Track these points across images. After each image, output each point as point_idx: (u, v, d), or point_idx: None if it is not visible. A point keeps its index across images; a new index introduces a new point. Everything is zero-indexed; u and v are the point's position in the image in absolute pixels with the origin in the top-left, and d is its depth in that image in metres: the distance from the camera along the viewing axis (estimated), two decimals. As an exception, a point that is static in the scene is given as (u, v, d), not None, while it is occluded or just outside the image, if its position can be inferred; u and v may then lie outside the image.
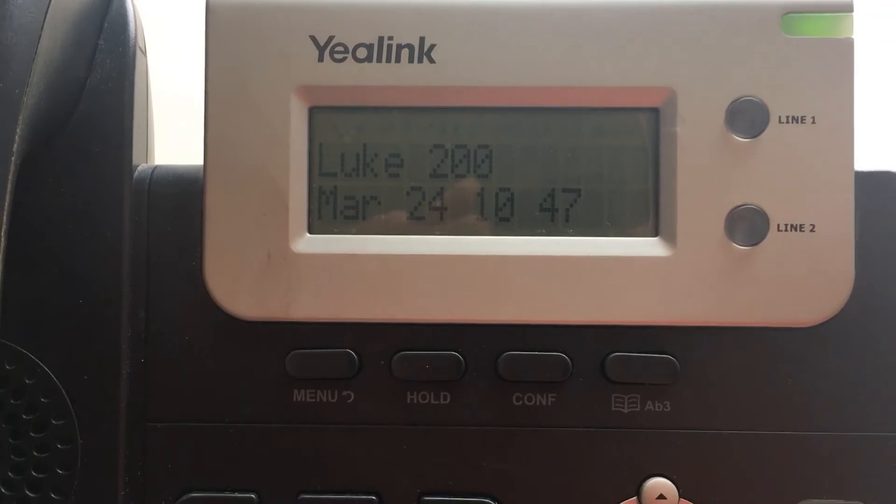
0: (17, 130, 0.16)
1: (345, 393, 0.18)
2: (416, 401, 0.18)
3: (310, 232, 0.18)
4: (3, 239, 0.16)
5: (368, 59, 0.18)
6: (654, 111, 0.18)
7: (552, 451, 0.18)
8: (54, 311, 0.18)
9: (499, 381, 0.18)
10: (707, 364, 0.18)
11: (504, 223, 0.18)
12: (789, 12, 0.18)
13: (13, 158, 0.16)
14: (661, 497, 0.18)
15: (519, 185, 0.18)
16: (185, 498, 0.18)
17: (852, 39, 0.17)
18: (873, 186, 0.18)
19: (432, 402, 0.18)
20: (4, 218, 0.16)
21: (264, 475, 0.18)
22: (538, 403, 0.18)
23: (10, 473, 0.18)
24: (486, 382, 0.18)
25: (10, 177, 0.16)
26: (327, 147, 0.18)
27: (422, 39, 0.18)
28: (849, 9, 0.17)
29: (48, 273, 0.18)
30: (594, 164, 0.18)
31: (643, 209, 0.18)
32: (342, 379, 0.18)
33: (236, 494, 0.18)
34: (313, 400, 0.18)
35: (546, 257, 0.18)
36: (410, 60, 0.18)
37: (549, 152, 0.18)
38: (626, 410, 0.18)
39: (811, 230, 0.17)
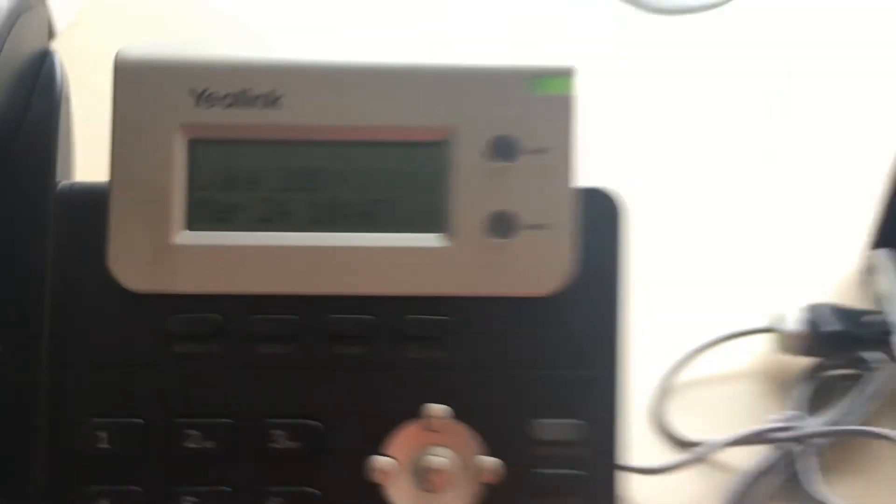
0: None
1: (213, 346, 0.25)
2: (265, 351, 0.25)
3: (189, 230, 0.25)
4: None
5: (233, 104, 0.25)
6: (439, 143, 0.25)
7: (363, 387, 0.25)
8: None
9: (325, 336, 0.25)
10: (474, 322, 0.25)
11: (329, 223, 0.25)
12: (530, 77, 0.25)
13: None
14: (438, 418, 0.25)
15: (341, 196, 0.25)
16: (90, 423, 0.24)
17: (572, 95, 0.25)
18: (589, 198, 0.25)
19: (278, 352, 0.25)
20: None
21: (149, 406, 0.25)
22: (354, 352, 0.25)
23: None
24: (316, 337, 0.25)
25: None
26: (202, 169, 0.25)
27: (272, 90, 0.25)
28: (568, 74, 0.25)
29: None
30: (396, 182, 0.25)
31: (430, 213, 0.25)
32: (210, 335, 0.25)
33: (129, 420, 0.24)
34: (189, 351, 0.25)
35: (357, 248, 0.25)
36: (264, 106, 0.25)
37: (363, 173, 0.25)
38: (415, 356, 0.25)
39: (547, 228, 0.25)
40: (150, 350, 0.25)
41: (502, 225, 0.25)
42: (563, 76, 0.25)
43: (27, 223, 0.25)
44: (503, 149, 0.25)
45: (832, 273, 0.40)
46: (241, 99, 0.25)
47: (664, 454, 0.33)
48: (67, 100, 0.27)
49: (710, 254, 0.41)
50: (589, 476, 0.25)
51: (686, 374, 0.36)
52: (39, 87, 0.26)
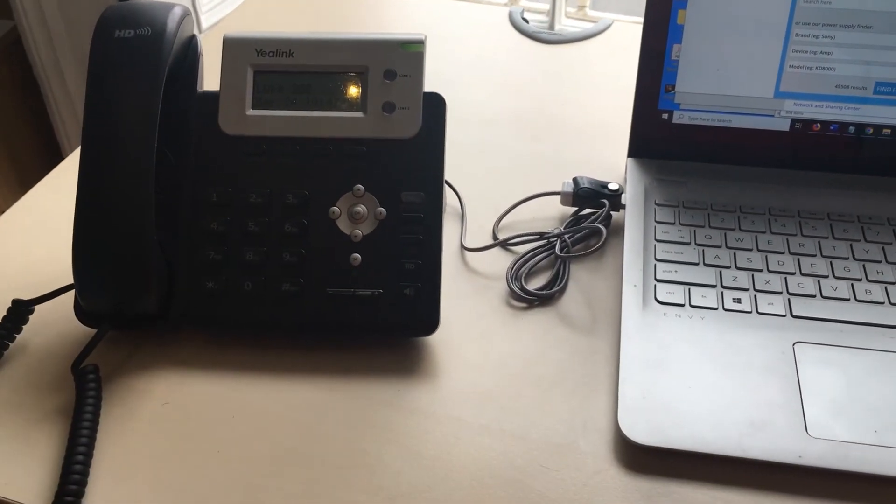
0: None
1: (261, 157, 0.57)
2: (282, 161, 0.56)
3: (252, 109, 0.57)
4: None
5: (273, 55, 0.57)
6: (362, 72, 0.57)
7: (329, 175, 0.56)
8: None
9: (313, 153, 0.56)
10: (378, 149, 0.56)
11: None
12: (403, 42, 0.56)
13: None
14: (359, 190, 0.55)
15: (319, 93, 0.57)
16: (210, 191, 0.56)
17: (423, 52, 0.56)
18: (428, 96, 0.57)
19: (289, 160, 0.56)
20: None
21: (234, 187, 0.56)
22: (322, 162, 0.56)
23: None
24: (308, 154, 0.56)
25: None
26: (258, 83, 0.57)
27: (289, 49, 0.57)
28: (422, 41, 0.56)
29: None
30: (343, 90, 0.57)
31: (358, 103, 0.57)
32: (260, 153, 0.57)
33: (225, 189, 0.56)
34: (252, 161, 0.57)
35: (327, 116, 0.57)
36: (286, 56, 0.57)
37: (327, 86, 0.57)
38: (351, 164, 0.56)
39: (410, 109, 0.56)
40: (233, 158, 0.56)
41: (389, 107, 0.56)
42: (418, 42, 0.57)
43: (187, 107, 0.57)
44: (390, 74, 0.56)
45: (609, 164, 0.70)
46: (275, 53, 0.57)
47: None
48: (201, 56, 0.59)
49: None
50: (425, 218, 0.55)
51: (513, 213, 0.66)
52: (191, 50, 0.59)
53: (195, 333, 0.56)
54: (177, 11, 0.57)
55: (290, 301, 0.55)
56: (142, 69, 0.54)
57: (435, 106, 0.57)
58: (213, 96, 0.57)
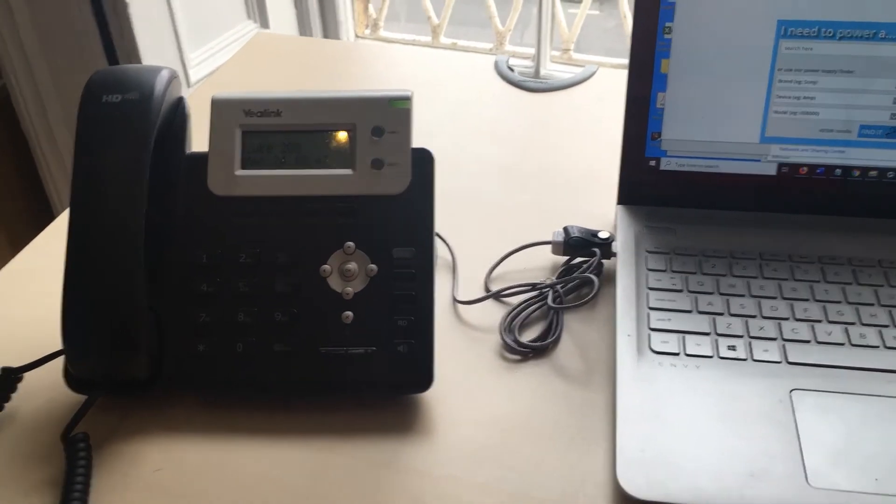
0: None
1: (252, 218, 0.56)
2: (273, 221, 0.56)
3: (242, 168, 0.57)
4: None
5: (261, 115, 0.57)
6: (350, 129, 0.57)
7: (318, 234, 0.56)
8: None
9: (302, 212, 0.56)
10: (367, 206, 0.56)
11: (294, 166, 0.57)
12: (391, 99, 0.57)
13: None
14: (350, 247, 0.55)
15: (306, 152, 0.57)
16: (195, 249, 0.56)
17: (409, 108, 0.57)
18: (417, 151, 0.57)
19: (280, 220, 0.56)
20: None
21: (215, 246, 0.56)
22: (314, 220, 0.56)
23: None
24: (298, 213, 0.56)
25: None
26: (247, 143, 0.57)
27: (277, 109, 0.57)
28: (408, 98, 0.57)
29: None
30: (332, 147, 0.57)
31: (347, 159, 0.57)
32: (250, 213, 0.56)
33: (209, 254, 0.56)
34: (241, 222, 0.56)
35: (316, 175, 0.57)
36: (273, 116, 0.57)
37: (317, 144, 0.57)
38: (342, 221, 0.56)
39: (398, 165, 0.56)
40: (222, 219, 0.56)
41: (378, 164, 0.56)
42: (405, 99, 0.57)
43: (176, 169, 0.57)
44: (378, 131, 0.57)
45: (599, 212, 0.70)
46: (263, 113, 0.57)
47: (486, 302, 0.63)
48: (189, 117, 0.60)
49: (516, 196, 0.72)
50: (416, 273, 0.55)
51: (504, 264, 0.66)
52: (178, 112, 0.59)
53: (187, 397, 0.56)
54: (164, 75, 0.57)
55: (282, 362, 0.54)
56: (130, 134, 0.54)
57: (423, 161, 0.57)
58: (201, 157, 0.57)
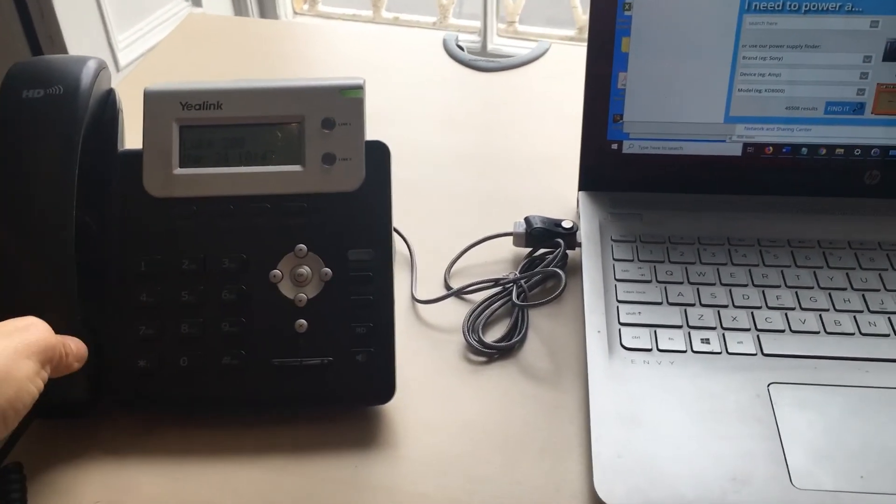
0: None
1: (190, 221, 0.52)
2: (219, 223, 0.52)
3: (180, 167, 0.52)
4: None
5: (199, 108, 0.52)
6: (299, 122, 0.52)
7: (266, 235, 0.52)
8: None
9: (249, 213, 0.52)
10: (318, 205, 0.51)
11: (247, 162, 0.53)
12: (342, 88, 0.53)
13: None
14: (302, 250, 0.51)
15: (254, 149, 0.53)
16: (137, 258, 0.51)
17: (362, 97, 0.52)
18: (370, 144, 0.53)
19: (225, 222, 0.52)
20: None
21: (157, 252, 0.52)
22: (262, 221, 0.52)
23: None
24: (245, 214, 0.52)
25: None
26: (185, 139, 0.53)
27: (217, 101, 0.52)
28: (360, 86, 0.52)
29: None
30: (279, 141, 0.53)
31: (296, 155, 0.53)
32: (188, 216, 0.52)
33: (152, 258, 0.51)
34: (177, 225, 0.52)
35: (262, 172, 0.52)
36: (214, 109, 0.52)
37: (263, 138, 0.53)
38: (292, 222, 0.52)
39: (351, 159, 0.52)
40: (161, 223, 0.51)
41: (329, 159, 0.52)
42: (357, 87, 0.53)
43: (108, 169, 0.52)
44: (328, 123, 0.52)
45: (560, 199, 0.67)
46: (202, 105, 0.52)
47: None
48: (121, 112, 0.55)
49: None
50: (374, 276, 0.52)
51: (464, 258, 0.63)
52: (108, 106, 0.54)
53: (129, 418, 0.51)
54: (91, 65, 0.52)
55: (232, 375, 0.50)
56: (54, 133, 0.49)
57: (378, 155, 0.53)
58: (136, 155, 0.52)
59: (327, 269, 0.51)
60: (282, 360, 0.50)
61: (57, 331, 0.46)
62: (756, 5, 0.60)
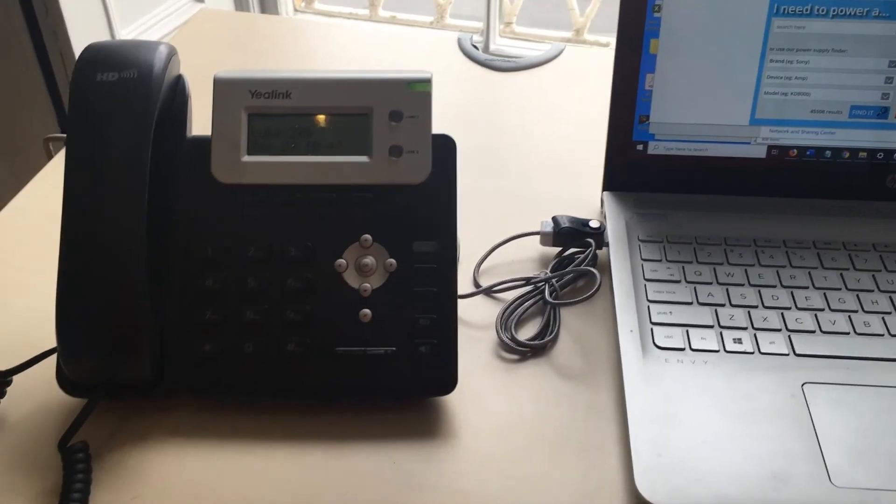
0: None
1: (260, 207, 0.51)
2: (285, 210, 0.51)
3: (248, 154, 0.52)
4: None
5: (269, 97, 0.51)
6: (367, 114, 0.51)
7: (334, 225, 0.50)
8: None
9: (317, 202, 0.51)
10: (385, 196, 0.50)
11: (315, 151, 0.52)
12: (409, 81, 0.52)
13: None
14: (367, 240, 0.50)
15: (328, 139, 0.53)
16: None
17: (429, 91, 0.52)
18: (438, 138, 0.52)
19: (292, 210, 0.50)
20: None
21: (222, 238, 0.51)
22: (329, 210, 0.50)
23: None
24: (313, 203, 0.50)
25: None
26: (254, 127, 0.52)
27: (286, 90, 0.51)
28: (428, 80, 0.51)
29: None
30: (349, 132, 0.52)
31: (364, 146, 0.52)
32: (258, 202, 0.51)
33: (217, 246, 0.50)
34: (247, 211, 0.51)
35: (331, 161, 0.52)
36: (283, 98, 0.51)
37: (333, 129, 0.52)
38: (360, 212, 0.50)
39: (418, 152, 0.51)
40: (228, 209, 0.50)
41: (396, 151, 0.52)
42: (425, 81, 0.52)
43: (177, 154, 0.51)
44: (396, 115, 0.52)
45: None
46: (271, 94, 0.51)
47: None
48: (190, 98, 0.53)
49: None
50: (438, 268, 0.51)
51: (491, 257, 0.63)
52: (178, 92, 0.53)
53: (191, 401, 0.51)
54: (163, 50, 0.51)
55: (295, 362, 0.50)
56: (129, 117, 0.48)
57: (445, 148, 0.52)
58: (204, 142, 0.52)
59: (392, 259, 0.51)
60: (346, 348, 0.50)
61: (127, 315, 0.46)
62: (784, 9, 0.60)
